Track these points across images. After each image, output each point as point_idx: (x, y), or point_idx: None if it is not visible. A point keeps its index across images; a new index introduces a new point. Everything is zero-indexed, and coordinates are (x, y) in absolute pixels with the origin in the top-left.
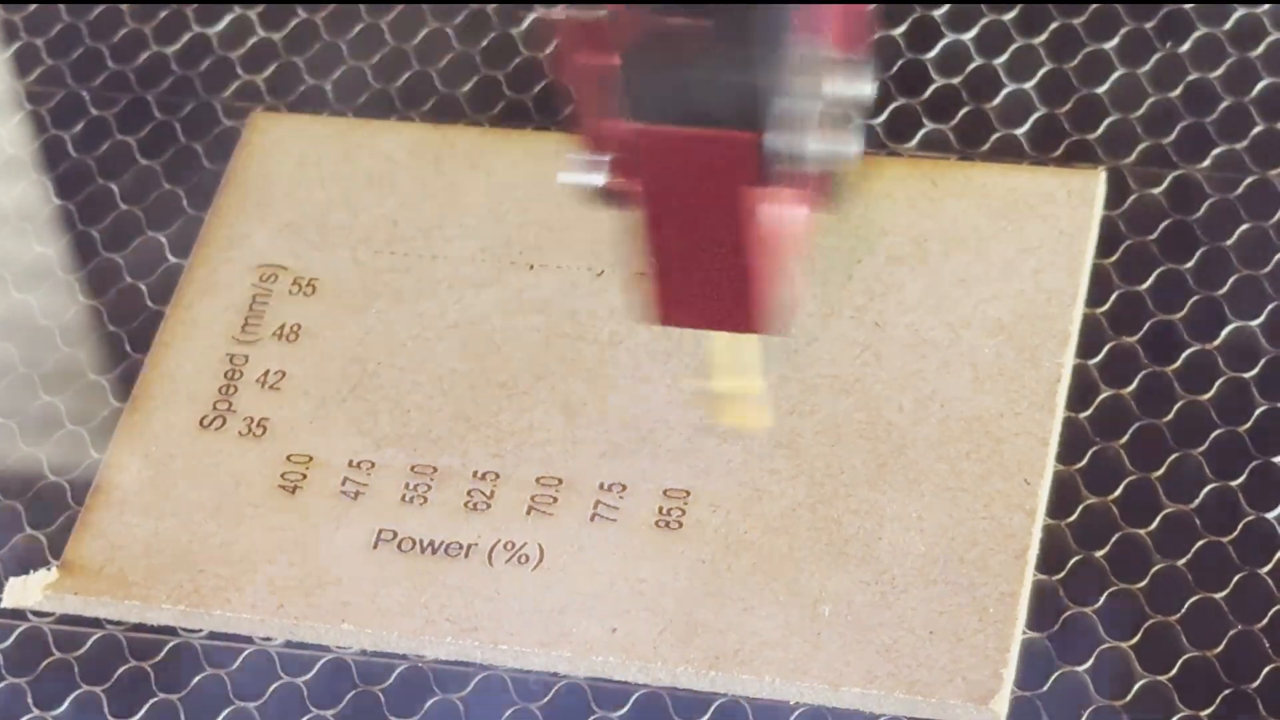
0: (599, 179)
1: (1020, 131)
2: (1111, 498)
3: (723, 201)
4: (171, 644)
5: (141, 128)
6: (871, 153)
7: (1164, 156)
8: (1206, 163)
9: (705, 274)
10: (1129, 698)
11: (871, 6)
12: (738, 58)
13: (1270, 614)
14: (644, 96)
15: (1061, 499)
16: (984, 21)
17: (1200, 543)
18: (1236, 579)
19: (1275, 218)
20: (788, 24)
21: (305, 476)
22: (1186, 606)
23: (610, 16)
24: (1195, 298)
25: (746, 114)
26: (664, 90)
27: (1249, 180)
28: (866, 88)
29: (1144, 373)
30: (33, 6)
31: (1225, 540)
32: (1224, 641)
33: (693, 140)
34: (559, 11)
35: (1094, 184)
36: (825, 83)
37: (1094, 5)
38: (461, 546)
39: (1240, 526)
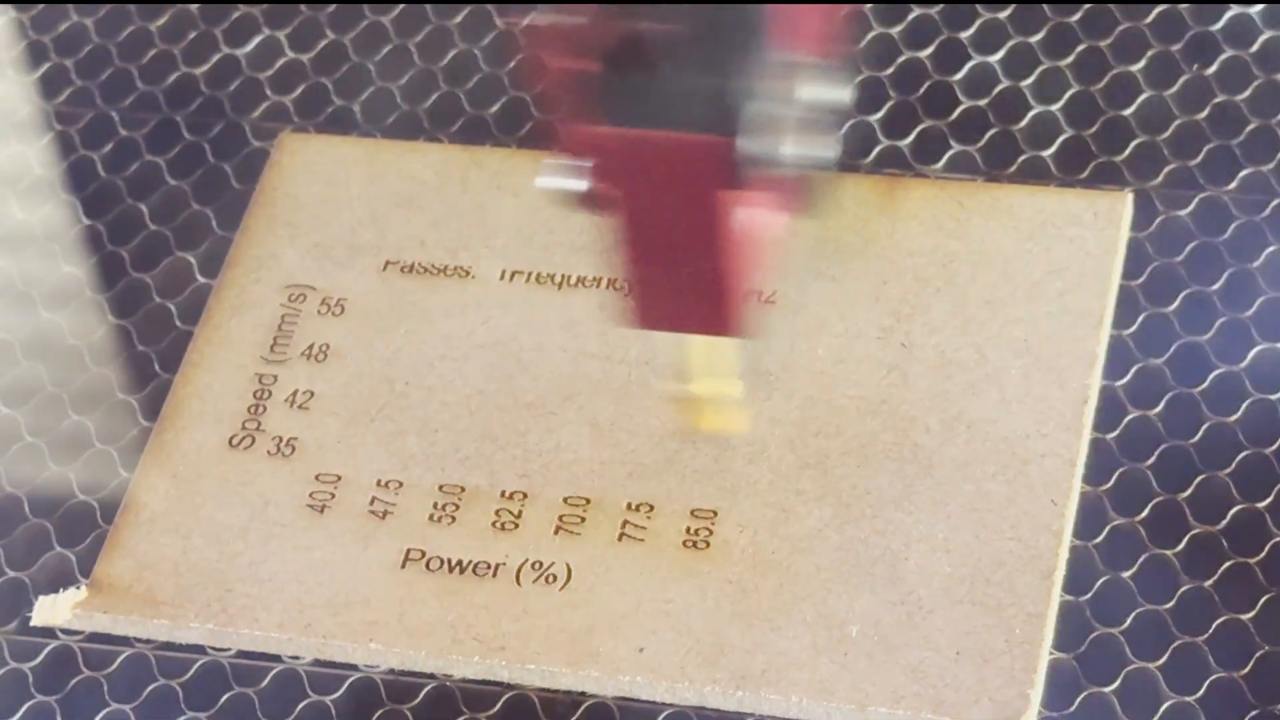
0: (580, 184)
1: (1047, 153)
2: (1138, 519)
3: (697, 205)
4: (200, 662)
5: (170, 148)
6: (899, 174)
7: (1191, 178)
8: (1233, 185)
9: (681, 277)
10: (1156, 718)
11: (846, 9)
12: (710, 62)
13: None
14: (619, 101)
15: (1088, 520)
16: (1011, 44)
17: (1227, 564)
18: (1263, 600)
19: None
20: (760, 28)
21: (333, 496)
22: (1213, 627)
23: (586, 22)
24: (1222, 319)
25: (719, 118)
26: (639, 95)
27: (1276, 202)
28: (842, 91)
29: (1171, 394)
30: (62, 27)
31: (1252, 561)
32: (1251, 662)
33: (666, 144)
34: (536, 17)
35: (1121, 206)
36: (799, 87)
37: (1121, 28)
38: (489, 566)
39: (1267, 548)
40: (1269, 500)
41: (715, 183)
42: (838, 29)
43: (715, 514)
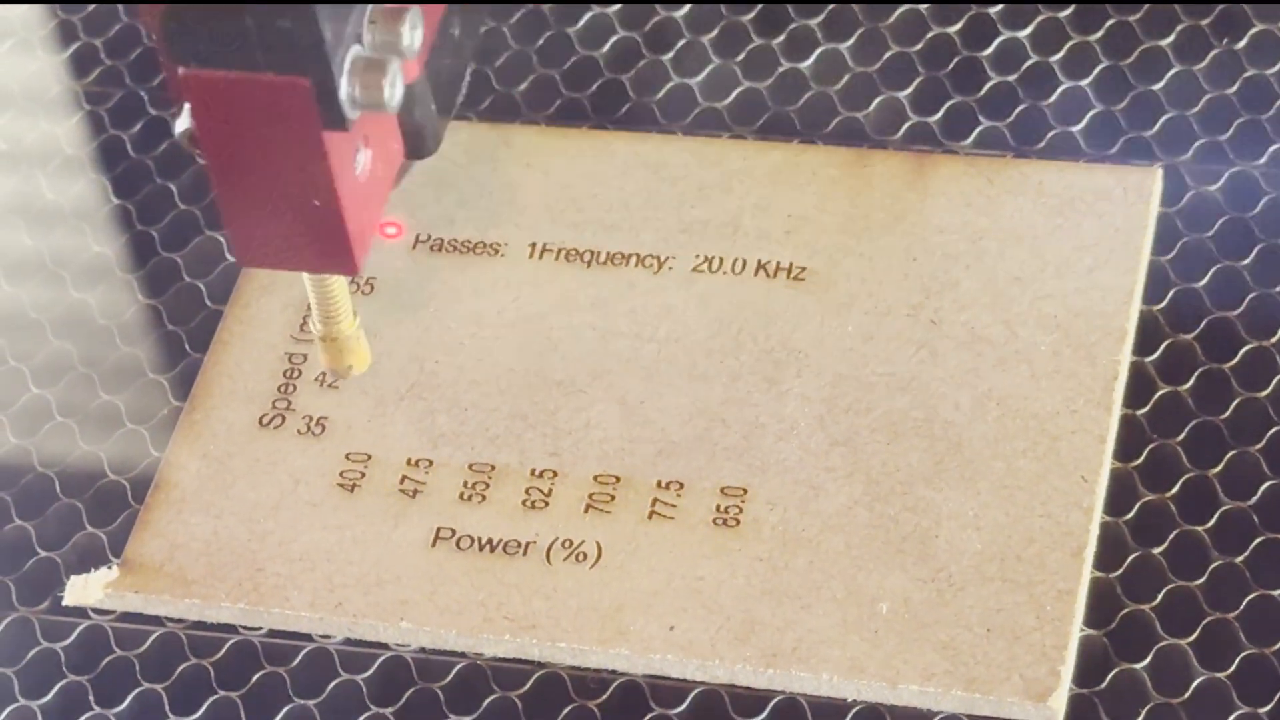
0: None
1: (1076, 129)
2: (1169, 495)
3: (286, 145)
4: (231, 642)
5: None
6: (927, 150)
7: (1221, 153)
8: (1263, 160)
9: (284, 216)
10: (1187, 695)
11: None
12: (289, 4)
13: None
14: (199, 42)
15: (1119, 496)
16: (1040, 19)
17: (1258, 539)
18: None
19: None
20: None
21: (364, 475)
22: (1245, 603)
23: None
24: (1253, 294)
25: (300, 59)
26: (219, 35)
27: None
28: (412, 33)
29: (1201, 369)
30: (91, 7)
31: None
32: None
33: (246, 84)
34: None
35: (1150, 181)
36: (396, 31)
37: (1149, 3)
38: (519, 544)
39: None
40: None
41: (300, 122)
42: None
43: (745, 491)
